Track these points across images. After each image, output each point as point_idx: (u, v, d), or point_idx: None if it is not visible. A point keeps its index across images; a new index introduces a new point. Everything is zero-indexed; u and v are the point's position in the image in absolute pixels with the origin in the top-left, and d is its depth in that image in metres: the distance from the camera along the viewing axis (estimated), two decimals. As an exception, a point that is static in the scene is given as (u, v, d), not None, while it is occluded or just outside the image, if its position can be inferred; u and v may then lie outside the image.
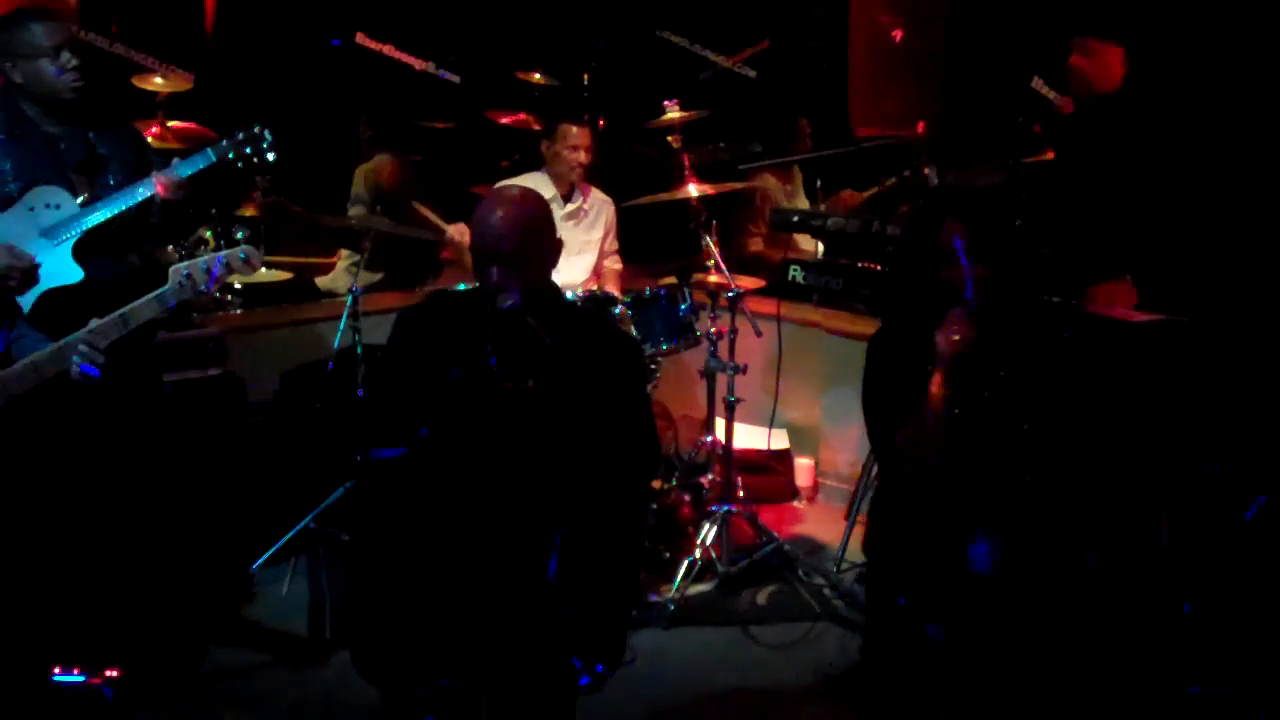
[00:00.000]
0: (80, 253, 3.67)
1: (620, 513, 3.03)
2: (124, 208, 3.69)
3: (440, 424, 2.92)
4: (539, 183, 5.16)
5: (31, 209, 3.65)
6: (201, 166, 3.77)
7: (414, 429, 2.91)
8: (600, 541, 2.99)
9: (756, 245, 6.55)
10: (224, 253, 3.40)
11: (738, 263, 5.49)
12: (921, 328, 2.98)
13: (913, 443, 2.94)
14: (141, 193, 3.70)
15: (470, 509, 2.92)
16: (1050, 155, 4.93)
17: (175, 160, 3.79)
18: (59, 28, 3.68)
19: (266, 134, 3.83)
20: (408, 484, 2.92)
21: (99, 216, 3.67)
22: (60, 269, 3.65)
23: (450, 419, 2.92)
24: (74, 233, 3.65)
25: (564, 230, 5.21)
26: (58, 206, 3.67)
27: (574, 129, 5.11)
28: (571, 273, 5.21)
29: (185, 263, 3.36)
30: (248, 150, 3.82)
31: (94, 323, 3.27)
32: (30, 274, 3.59)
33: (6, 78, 3.72)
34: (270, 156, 3.84)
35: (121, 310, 3.29)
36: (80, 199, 3.69)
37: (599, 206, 5.32)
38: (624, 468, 3.10)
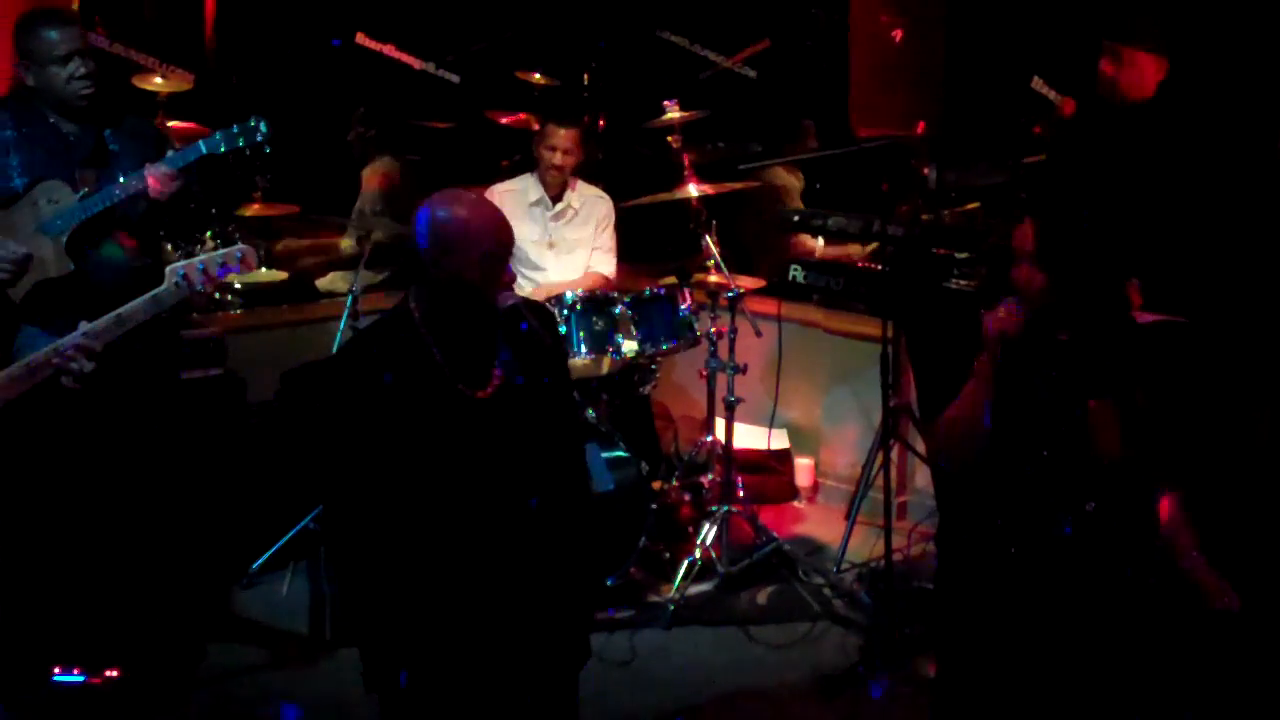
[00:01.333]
0: (74, 246, 3.69)
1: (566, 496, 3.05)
2: (112, 201, 3.70)
3: (414, 452, 2.90)
4: (528, 185, 5.13)
5: (35, 203, 3.70)
6: (192, 159, 3.75)
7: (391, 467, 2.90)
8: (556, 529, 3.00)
9: (809, 243, 6.50)
10: (220, 253, 3.39)
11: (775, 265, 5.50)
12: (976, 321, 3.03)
13: (953, 424, 2.98)
14: (134, 185, 3.70)
15: (458, 515, 2.92)
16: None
17: (169, 153, 3.80)
18: (71, 35, 3.73)
19: (262, 125, 3.78)
20: (388, 505, 2.91)
21: (90, 210, 3.70)
22: (51, 261, 3.68)
23: (422, 443, 2.90)
24: (66, 225, 3.69)
25: (553, 231, 5.20)
26: (56, 201, 3.70)
27: (558, 130, 5.01)
28: (565, 271, 5.17)
29: (181, 263, 3.36)
30: (240, 143, 3.78)
31: (84, 325, 3.26)
32: (21, 265, 3.63)
33: (22, 78, 3.78)
34: (266, 149, 3.82)
35: (117, 311, 3.28)
36: (80, 194, 3.72)
37: (590, 202, 5.24)
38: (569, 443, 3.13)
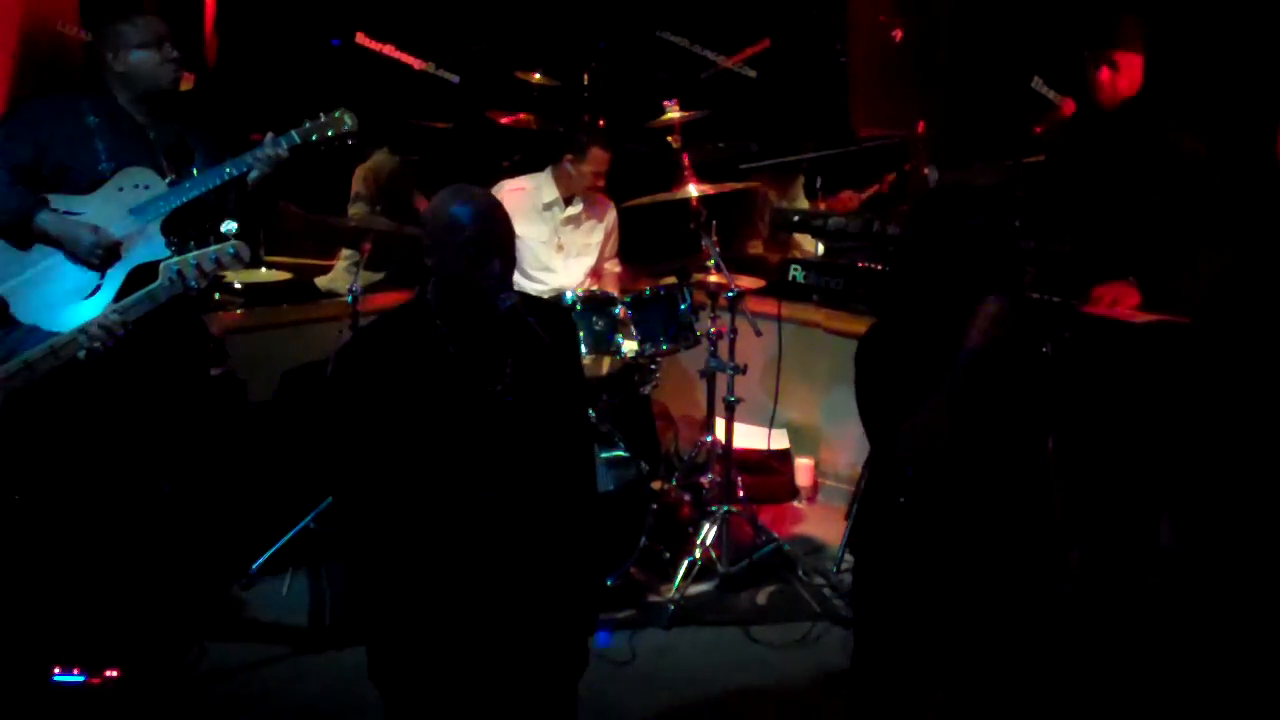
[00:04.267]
0: (167, 231, 3.81)
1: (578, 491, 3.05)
2: (212, 186, 3.83)
3: (423, 444, 2.89)
4: (541, 184, 5.16)
5: (120, 189, 3.81)
6: (285, 146, 3.87)
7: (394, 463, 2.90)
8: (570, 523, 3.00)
9: (756, 248, 6.55)
10: (214, 248, 3.42)
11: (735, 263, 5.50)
12: (935, 323, 2.97)
13: (919, 437, 2.92)
14: (229, 172, 3.83)
15: (460, 515, 2.91)
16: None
17: (269, 136, 3.89)
18: (159, 22, 3.91)
19: (348, 118, 3.91)
20: (397, 497, 2.91)
21: (187, 195, 3.81)
22: (149, 246, 3.79)
23: (432, 436, 2.90)
24: (162, 210, 3.80)
25: (563, 234, 5.23)
26: (146, 187, 3.82)
27: (604, 155, 5.11)
28: (570, 275, 5.21)
29: (175, 259, 3.38)
30: (329, 133, 3.90)
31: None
32: (112, 252, 3.76)
33: (108, 68, 3.88)
34: (350, 141, 3.91)
35: (114, 307, 3.30)
36: (168, 179, 3.83)
37: (600, 210, 5.32)
38: (580, 438, 3.13)
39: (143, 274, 3.72)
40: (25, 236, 3.75)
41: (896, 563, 3.00)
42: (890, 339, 3.05)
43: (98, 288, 3.76)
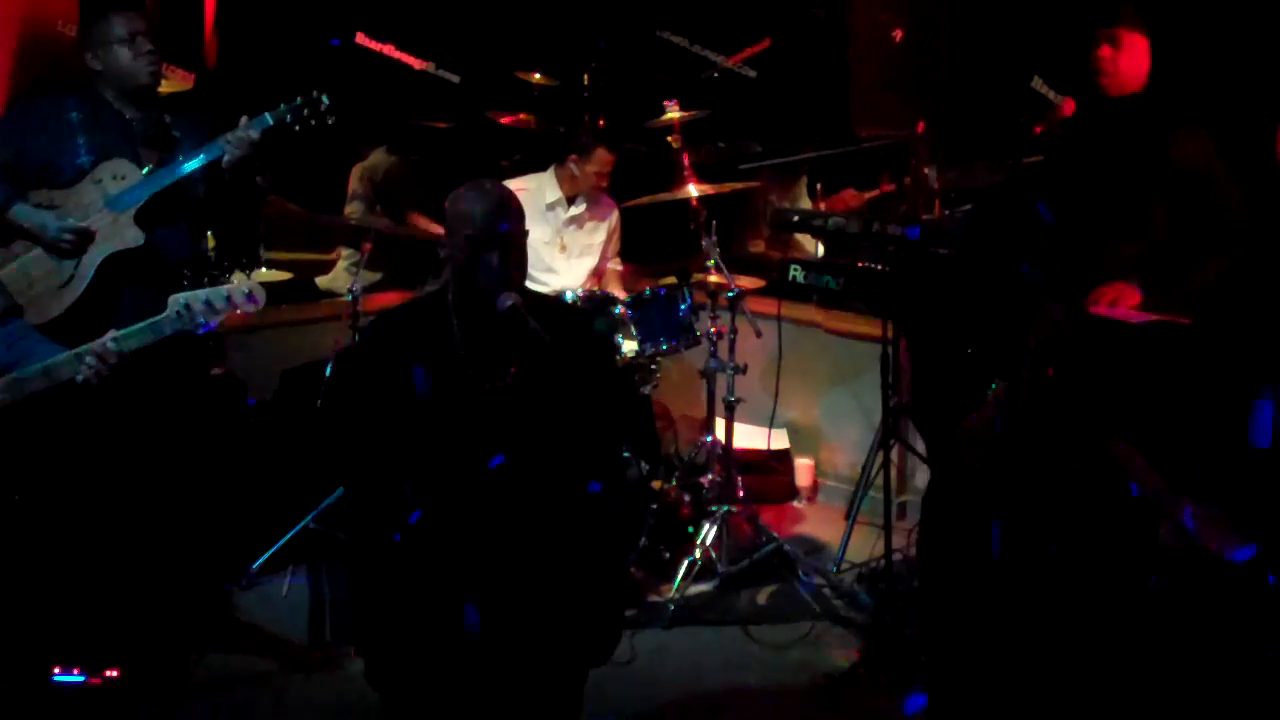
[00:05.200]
0: (144, 220, 3.81)
1: (612, 495, 3.04)
2: (187, 171, 3.81)
3: (426, 439, 2.89)
4: (544, 184, 5.16)
5: (99, 181, 3.83)
6: (259, 129, 3.84)
7: (399, 461, 2.89)
8: (594, 525, 2.99)
9: (756, 248, 6.55)
10: (225, 288, 3.32)
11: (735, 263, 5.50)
12: (990, 327, 2.98)
13: (980, 438, 2.93)
14: (202, 157, 3.81)
15: (462, 509, 2.91)
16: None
17: (243, 118, 3.87)
18: (134, 18, 3.91)
19: (324, 99, 3.89)
20: (402, 496, 2.91)
21: (161, 183, 3.81)
22: (122, 234, 3.80)
23: (435, 431, 2.90)
24: (137, 199, 3.80)
25: (566, 234, 5.24)
26: (123, 177, 3.83)
27: (609, 155, 5.12)
28: (572, 275, 5.22)
29: (185, 293, 3.32)
30: (305, 113, 3.88)
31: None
32: (83, 237, 3.76)
33: (88, 67, 3.91)
34: (329, 120, 3.89)
35: (114, 334, 3.27)
36: (146, 169, 3.83)
37: (603, 210, 5.32)
38: (610, 444, 3.13)
39: (117, 264, 3.78)
40: (3, 232, 3.78)
41: (967, 566, 3.01)
42: (946, 344, 3.07)
43: (72, 276, 3.78)
